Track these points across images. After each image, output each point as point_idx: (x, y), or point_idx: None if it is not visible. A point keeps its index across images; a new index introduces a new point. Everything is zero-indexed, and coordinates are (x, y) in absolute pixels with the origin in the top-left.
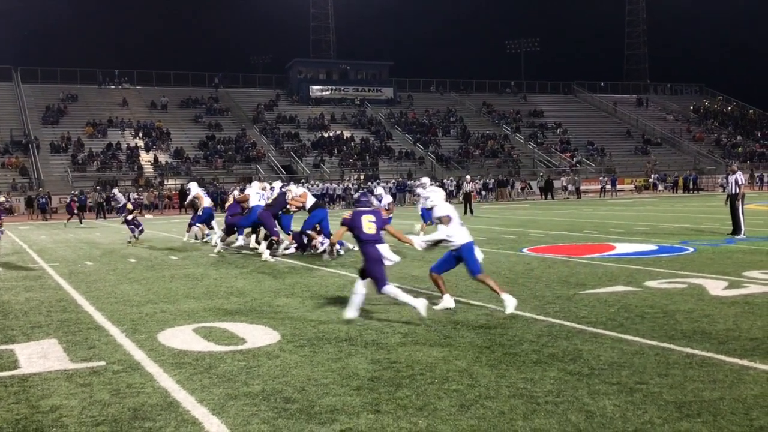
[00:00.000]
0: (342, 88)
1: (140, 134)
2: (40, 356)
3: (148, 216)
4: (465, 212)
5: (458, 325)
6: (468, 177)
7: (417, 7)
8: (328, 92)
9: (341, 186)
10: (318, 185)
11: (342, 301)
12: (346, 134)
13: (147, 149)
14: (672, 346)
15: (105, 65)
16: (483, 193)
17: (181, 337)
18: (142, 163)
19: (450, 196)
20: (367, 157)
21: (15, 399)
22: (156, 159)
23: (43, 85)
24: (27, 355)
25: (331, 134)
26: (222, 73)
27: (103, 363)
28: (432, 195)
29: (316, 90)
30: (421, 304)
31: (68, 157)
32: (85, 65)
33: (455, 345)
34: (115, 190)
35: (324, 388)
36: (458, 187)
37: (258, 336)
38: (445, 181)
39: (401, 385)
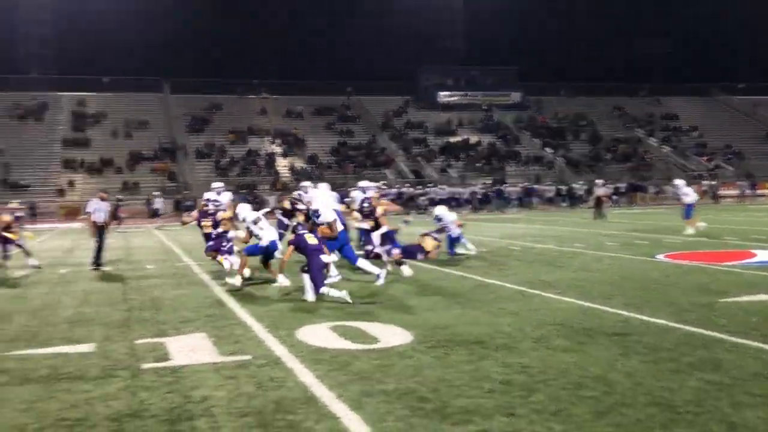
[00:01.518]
0: (469, 94)
1: (278, 141)
2: (189, 349)
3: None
4: (595, 217)
5: (592, 331)
6: (599, 181)
7: (543, 10)
8: (455, 98)
9: (467, 190)
10: (444, 189)
11: (473, 305)
12: (473, 139)
13: (284, 155)
14: None
15: (246, 76)
16: (614, 197)
17: (319, 335)
18: (279, 168)
19: (579, 201)
20: (494, 162)
21: (168, 388)
22: (292, 165)
23: (190, 96)
24: (178, 348)
25: (458, 139)
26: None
27: (248, 357)
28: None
29: (443, 96)
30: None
31: (212, 162)
32: (229, 76)
33: (589, 351)
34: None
35: (457, 389)
36: (588, 191)
37: (391, 336)
38: (574, 185)
39: (534, 389)
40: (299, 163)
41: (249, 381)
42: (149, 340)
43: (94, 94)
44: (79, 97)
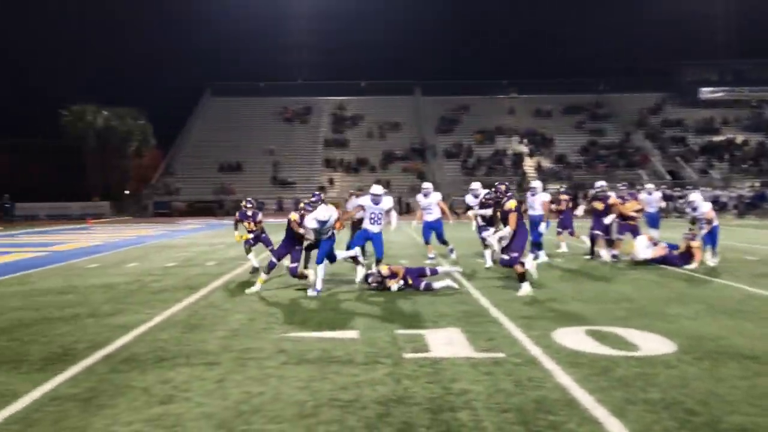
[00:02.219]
0: (736, 89)
1: (525, 141)
2: (446, 342)
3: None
4: None
5: None
6: None
7: None
8: (719, 94)
9: (733, 194)
10: (707, 191)
11: (743, 316)
12: (739, 138)
13: (531, 155)
14: None
15: (495, 77)
16: None
17: (574, 338)
18: (526, 168)
19: None
20: (763, 163)
21: (429, 378)
22: (539, 164)
23: (440, 98)
24: (435, 341)
25: (721, 138)
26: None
27: (502, 355)
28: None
29: (706, 92)
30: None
31: (459, 162)
32: (478, 77)
33: None
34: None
35: (730, 405)
36: None
37: (652, 344)
38: None
39: None
40: (546, 163)
41: (506, 378)
42: (408, 331)
43: (352, 98)
44: (339, 101)
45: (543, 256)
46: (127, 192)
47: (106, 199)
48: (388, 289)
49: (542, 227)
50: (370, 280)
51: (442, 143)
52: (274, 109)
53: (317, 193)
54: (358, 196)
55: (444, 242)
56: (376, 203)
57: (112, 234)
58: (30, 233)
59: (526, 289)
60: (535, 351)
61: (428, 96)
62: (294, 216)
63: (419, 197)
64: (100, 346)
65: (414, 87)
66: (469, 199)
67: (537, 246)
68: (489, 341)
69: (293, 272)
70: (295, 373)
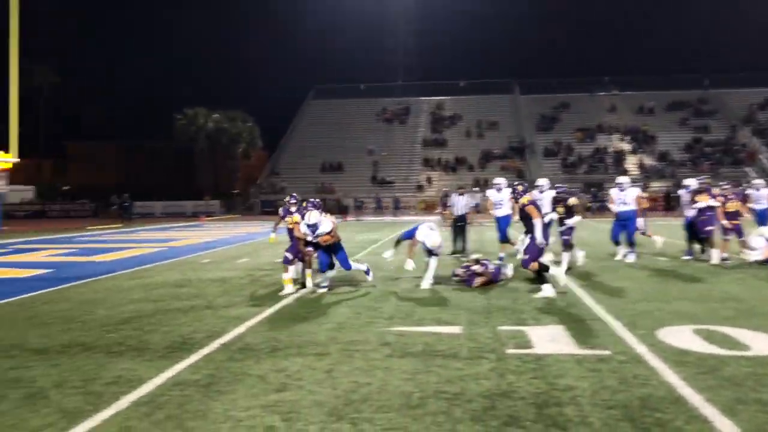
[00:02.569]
0: None
1: (627, 138)
2: (549, 339)
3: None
4: None
5: None
6: None
7: None
8: None
9: None
10: None
11: None
12: None
13: (633, 152)
14: None
15: (596, 73)
16: None
17: (680, 337)
18: (628, 166)
19: None
20: None
21: (533, 374)
22: (641, 162)
23: (539, 96)
24: (538, 337)
25: None
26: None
27: (608, 352)
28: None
29: None
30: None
31: (559, 160)
32: (578, 75)
33: None
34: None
35: None
36: None
37: (763, 344)
38: None
39: None
40: (649, 161)
41: (611, 375)
42: (510, 327)
43: (451, 97)
44: (438, 101)
45: (631, 256)
46: (235, 191)
47: (217, 198)
48: (469, 283)
49: (640, 222)
50: (458, 272)
51: (541, 141)
52: (374, 110)
53: (313, 200)
54: (461, 194)
55: (506, 240)
56: (498, 190)
57: (223, 231)
58: (147, 230)
59: (548, 291)
60: (641, 349)
61: (527, 94)
62: (296, 218)
63: (490, 192)
64: (217, 335)
65: (513, 85)
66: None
67: (631, 244)
68: (593, 339)
69: (286, 261)
70: (400, 365)
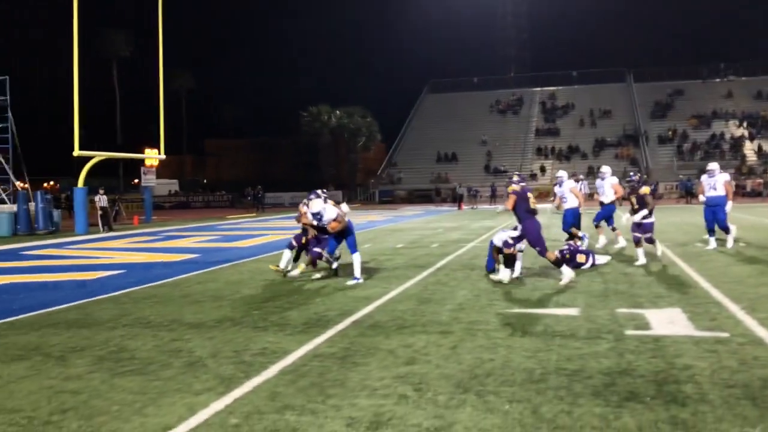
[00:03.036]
0: None
1: (744, 124)
2: (668, 321)
3: None
4: None
5: None
6: None
7: None
8: None
9: None
10: None
11: None
12: None
13: (751, 138)
14: None
15: (711, 59)
16: None
17: None
18: (746, 151)
19: None
20: None
21: (652, 354)
22: (760, 148)
23: (652, 83)
24: (656, 320)
25: None
26: None
27: (726, 334)
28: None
29: None
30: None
31: (673, 147)
32: (692, 62)
33: None
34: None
35: None
36: None
37: None
38: None
39: None
40: None
41: (730, 357)
42: (628, 310)
43: (563, 87)
44: (550, 91)
45: (713, 243)
46: (356, 182)
47: (339, 188)
48: (571, 262)
49: (728, 206)
50: (563, 250)
51: (655, 129)
52: (487, 102)
53: (316, 191)
54: (577, 181)
55: (569, 231)
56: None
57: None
58: (278, 219)
59: (568, 274)
60: (762, 332)
61: (640, 82)
62: (302, 209)
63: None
64: (348, 314)
65: (626, 74)
66: (556, 188)
67: (726, 230)
68: (711, 321)
69: (315, 255)
70: (521, 343)
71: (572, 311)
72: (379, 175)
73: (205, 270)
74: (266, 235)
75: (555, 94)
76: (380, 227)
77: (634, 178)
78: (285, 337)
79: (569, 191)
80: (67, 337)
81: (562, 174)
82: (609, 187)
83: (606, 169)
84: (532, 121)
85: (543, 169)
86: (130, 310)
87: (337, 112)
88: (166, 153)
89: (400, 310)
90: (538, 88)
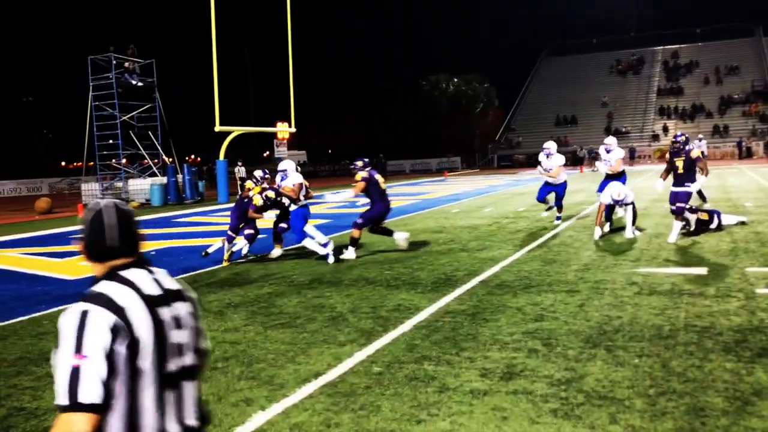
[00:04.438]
0: None
1: None
2: None
3: None
4: None
5: None
6: None
7: None
8: None
9: None
10: None
11: None
12: None
13: None
14: None
15: None
16: None
17: None
18: None
19: None
20: None
21: None
22: None
23: None
24: None
25: None
26: None
27: None
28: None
29: None
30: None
31: None
32: None
33: None
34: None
35: None
36: None
37: None
38: None
39: None
40: None
41: None
42: (759, 269)
43: (686, 45)
44: (672, 49)
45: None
46: (474, 148)
47: (458, 154)
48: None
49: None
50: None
51: None
52: (607, 63)
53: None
54: (701, 140)
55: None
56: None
57: (466, 184)
58: (401, 185)
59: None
60: None
61: None
62: (250, 184)
63: (541, 157)
64: (475, 274)
65: (754, 28)
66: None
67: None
68: None
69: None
70: (649, 302)
71: (700, 270)
72: (497, 140)
73: (338, 234)
74: (391, 200)
75: (678, 53)
76: (501, 191)
77: (679, 138)
78: (416, 294)
79: (557, 168)
80: (222, 294)
81: (550, 145)
82: (556, 165)
83: (550, 145)
84: (653, 80)
85: (666, 129)
86: (275, 270)
87: (455, 79)
88: (295, 126)
89: (525, 271)
90: (660, 47)
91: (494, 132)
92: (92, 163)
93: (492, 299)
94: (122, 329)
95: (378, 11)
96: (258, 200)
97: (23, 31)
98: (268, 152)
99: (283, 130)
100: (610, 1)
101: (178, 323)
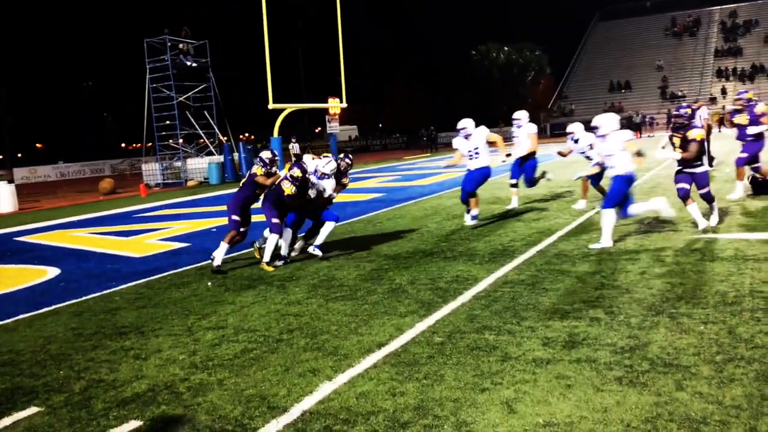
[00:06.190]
0: None
1: None
2: None
3: None
4: None
5: None
6: None
7: None
8: None
9: None
10: None
11: None
12: None
13: None
14: None
15: None
16: None
17: None
18: None
19: None
20: None
21: None
22: None
23: None
24: None
25: None
26: None
27: None
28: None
29: None
30: None
31: None
32: None
33: None
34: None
35: None
36: None
37: None
38: None
39: None
40: None
41: None
42: None
43: (744, 4)
44: (731, 8)
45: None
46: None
47: (510, 124)
48: None
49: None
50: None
51: None
52: (661, 26)
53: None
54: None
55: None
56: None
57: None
58: (452, 157)
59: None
60: None
61: None
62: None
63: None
64: (532, 244)
65: None
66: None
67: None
68: None
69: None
70: (712, 268)
71: (764, 235)
72: (549, 108)
73: (392, 207)
74: (442, 173)
75: (736, 11)
76: (556, 160)
77: (682, 111)
78: (474, 266)
79: (527, 136)
80: (283, 268)
81: (522, 115)
82: (525, 137)
83: (520, 114)
84: (710, 42)
85: (724, 91)
86: (332, 244)
87: (506, 48)
88: (347, 102)
89: (583, 240)
90: (717, 7)
91: (547, 100)
92: (151, 143)
93: (551, 269)
94: None
95: None
96: (289, 189)
97: (78, 19)
98: (319, 128)
99: (335, 105)
100: None
101: None
